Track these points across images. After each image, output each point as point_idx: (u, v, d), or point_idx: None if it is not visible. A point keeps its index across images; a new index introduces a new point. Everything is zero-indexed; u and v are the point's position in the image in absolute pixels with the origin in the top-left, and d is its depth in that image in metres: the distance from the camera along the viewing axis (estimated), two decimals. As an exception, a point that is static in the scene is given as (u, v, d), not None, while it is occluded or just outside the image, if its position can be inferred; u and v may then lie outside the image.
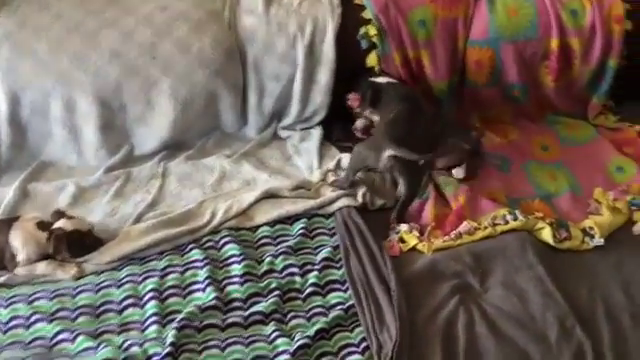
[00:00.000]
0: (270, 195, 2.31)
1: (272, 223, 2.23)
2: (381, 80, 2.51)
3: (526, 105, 2.66)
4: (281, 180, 2.40)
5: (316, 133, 2.60)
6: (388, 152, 2.16)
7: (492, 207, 2.25)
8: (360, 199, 2.28)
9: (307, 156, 2.52)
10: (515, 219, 2.16)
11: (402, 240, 2.16)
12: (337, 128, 2.63)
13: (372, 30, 2.51)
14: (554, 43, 2.49)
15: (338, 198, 2.28)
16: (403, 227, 2.19)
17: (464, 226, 2.18)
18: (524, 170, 2.46)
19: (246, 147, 2.59)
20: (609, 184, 2.37)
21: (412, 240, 2.14)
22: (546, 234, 2.13)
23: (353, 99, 2.50)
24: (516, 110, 2.67)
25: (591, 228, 2.16)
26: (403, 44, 2.53)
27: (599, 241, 2.13)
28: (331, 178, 2.37)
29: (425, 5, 2.51)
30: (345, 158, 2.44)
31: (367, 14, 2.55)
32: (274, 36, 2.53)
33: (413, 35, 2.51)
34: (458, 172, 2.36)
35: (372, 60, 2.55)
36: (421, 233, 2.16)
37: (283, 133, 2.66)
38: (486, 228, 2.16)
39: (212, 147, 2.61)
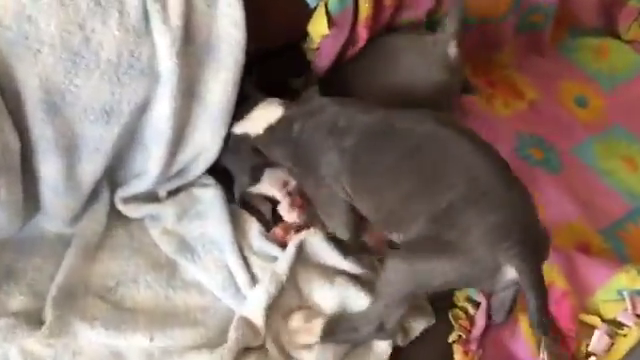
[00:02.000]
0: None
1: None
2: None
3: (542, 32, 1.53)
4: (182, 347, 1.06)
5: (210, 195, 1.20)
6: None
7: (604, 271, 1.20)
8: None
9: (212, 257, 1.16)
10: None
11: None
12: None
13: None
14: None
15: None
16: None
17: (599, 339, 1.13)
18: (582, 160, 1.42)
19: (60, 276, 1.10)
20: None
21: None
22: None
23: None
24: (524, 42, 1.53)
25: None
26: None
27: None
28: (316, 325, 1.08)
29: None
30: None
31: None
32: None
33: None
34: None
35: (319, 26, 1.15)
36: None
37: (133, 211, 1.20)
38: (629, 330, 1.14)
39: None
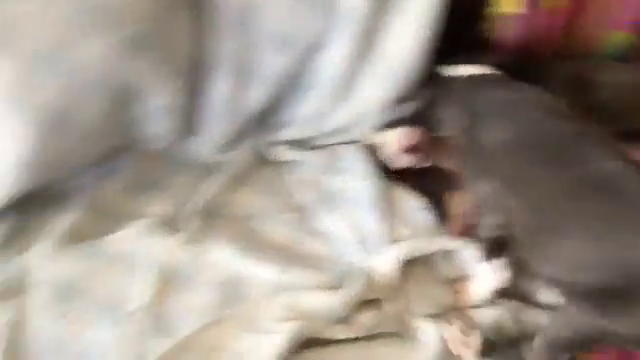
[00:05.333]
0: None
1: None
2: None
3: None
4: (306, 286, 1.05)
5: (353, 153, 1.22)
6: None
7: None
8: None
9: (348, 211, 1.15)
10: None
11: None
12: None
13: None
14: None
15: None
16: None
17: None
18: None
19: (211, 189, 1.15)
20: None
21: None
22: None
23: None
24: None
25: None
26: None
27: None
28: (474, 341, 1.02)
29: None
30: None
31: None
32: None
33: None
34: None
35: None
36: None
37: (279, 154, 1.24)
38: None
39: (120, 198, 1.13)
